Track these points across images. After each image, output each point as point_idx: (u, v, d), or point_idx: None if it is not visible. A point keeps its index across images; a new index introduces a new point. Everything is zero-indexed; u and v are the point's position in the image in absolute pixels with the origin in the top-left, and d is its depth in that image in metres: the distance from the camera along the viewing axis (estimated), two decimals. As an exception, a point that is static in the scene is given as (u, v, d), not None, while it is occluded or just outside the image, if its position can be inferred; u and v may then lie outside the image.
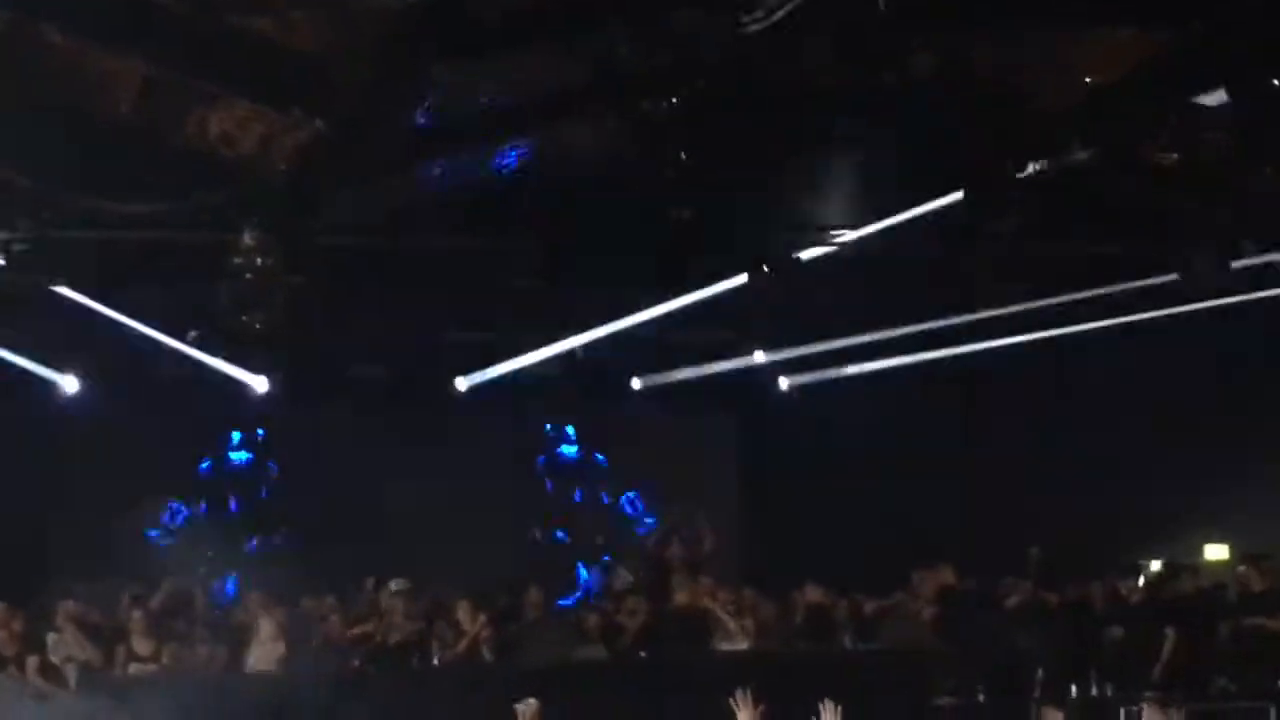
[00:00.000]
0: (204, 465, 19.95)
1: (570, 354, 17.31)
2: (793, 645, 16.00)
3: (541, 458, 20.56)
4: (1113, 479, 17.46)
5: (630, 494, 20.40)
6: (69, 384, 16.75)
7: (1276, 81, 11.70)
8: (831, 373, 17.65)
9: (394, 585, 15.76)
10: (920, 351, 17.12)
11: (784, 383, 18.12)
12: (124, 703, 13.20)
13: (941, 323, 16.45)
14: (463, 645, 15.21)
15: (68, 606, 14.67)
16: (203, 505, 19.82)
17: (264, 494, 20.03)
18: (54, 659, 13.90)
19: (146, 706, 13.02)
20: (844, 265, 15.17)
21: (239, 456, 20.01)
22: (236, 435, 19.93)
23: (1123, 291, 15.76)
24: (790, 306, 16.37)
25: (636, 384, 18.31)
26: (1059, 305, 15.95)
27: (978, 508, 17.83)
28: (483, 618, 15.31)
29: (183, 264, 15.25)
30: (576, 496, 20.53)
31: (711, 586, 16.47)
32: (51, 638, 14.13)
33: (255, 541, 19.48)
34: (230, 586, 18.16)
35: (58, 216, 13.76)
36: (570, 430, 20.51)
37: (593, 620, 16.14)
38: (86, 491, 17.97)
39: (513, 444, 20.07)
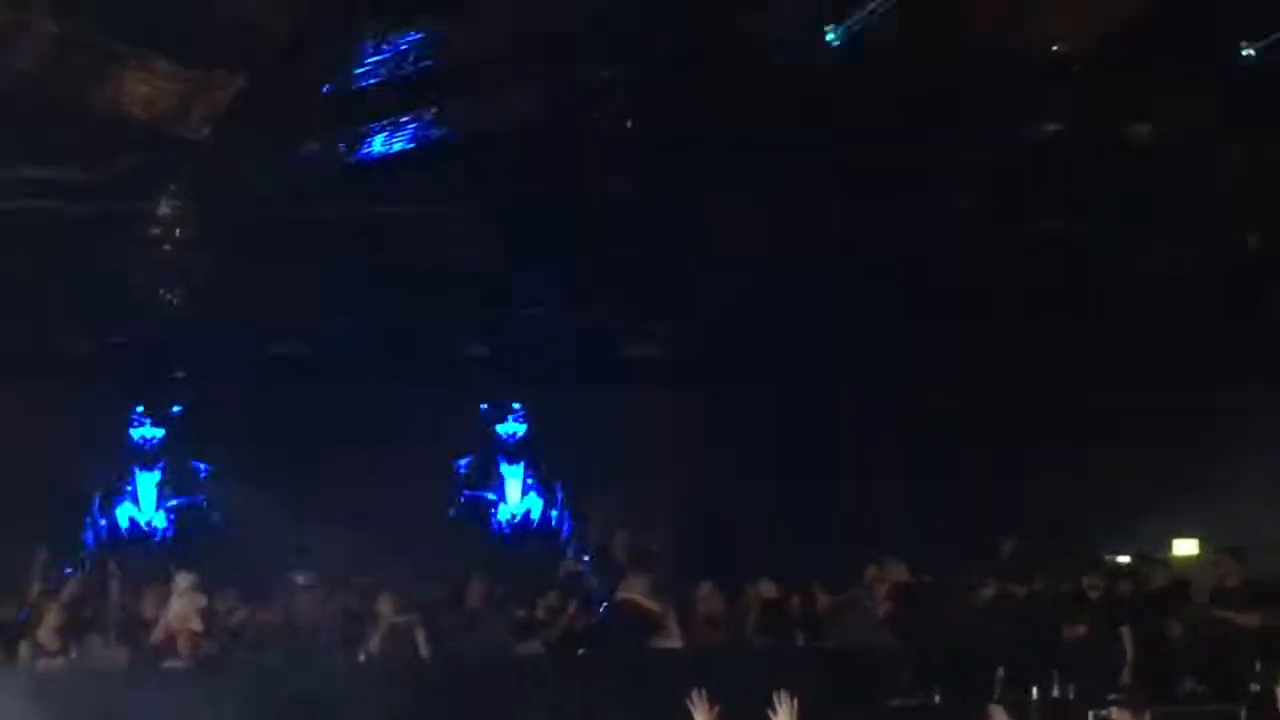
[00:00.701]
0: (118, 447, 19.63)
1: (503, 336, 17.81)
2: (745, 642, 15.93)
3: (478, 442, 20.42)
4: (1080, 472, 17.64)
5: (558, 484, 20.56)
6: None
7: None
8: (781, 357, 17.86)
9: (300, 579, 15.82)
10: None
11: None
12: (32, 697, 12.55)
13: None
14: (380, 636, 15.08)
15: None
16: (115, 493, 19.56)
17: (178, 481, 19.72)
18: (-46, 654, 13.42)
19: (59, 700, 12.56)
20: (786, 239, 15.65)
21: (151, 435, 19.55)
22: (148, 418, 19.46)
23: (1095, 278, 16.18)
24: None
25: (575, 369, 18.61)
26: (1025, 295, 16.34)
27: (938, 501, 17.84)
28: (402, 610, 15.27)
29: (96, 234, 15.20)
30: (519, 484, 20.43)
31: (650, 582, 16.13)
32: None
33: (170, 529, 19.42)
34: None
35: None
36: (514, 410, 20.48)
37: (532, 614, 16.17)
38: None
39: (447, 427, 19.81)
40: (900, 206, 15.44)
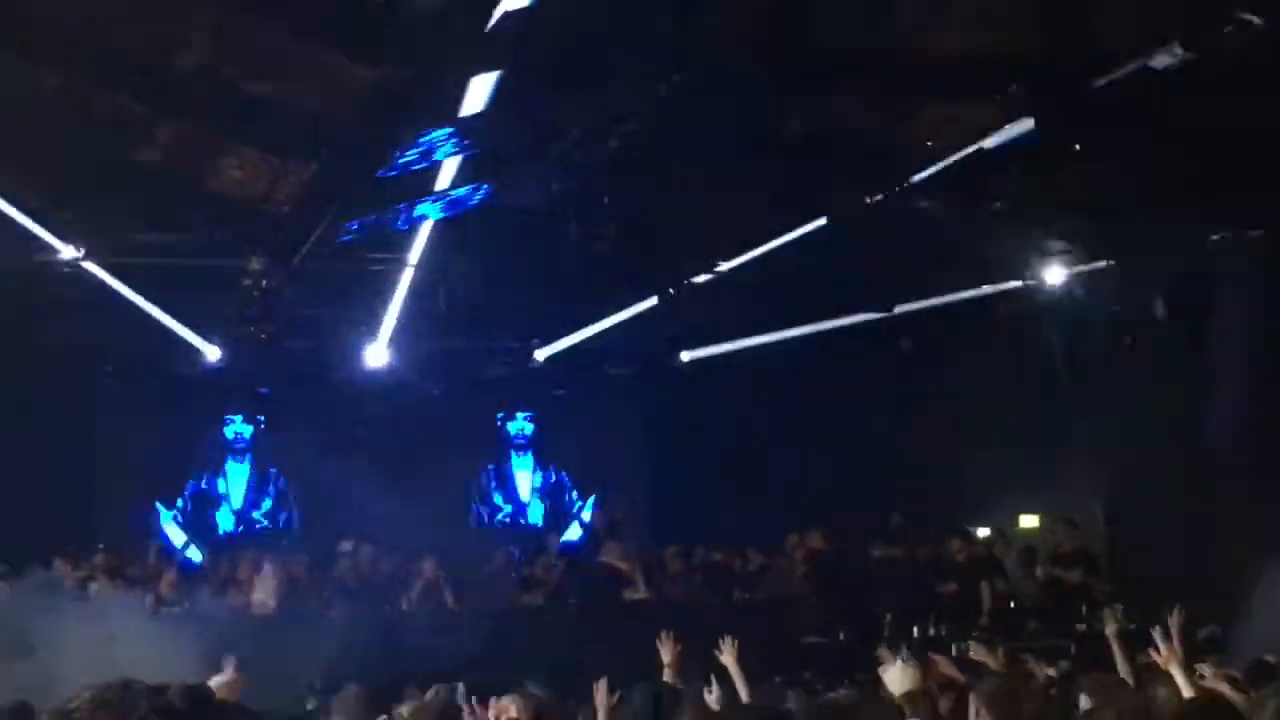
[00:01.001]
0: (209, 450, 19.66)
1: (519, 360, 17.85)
2: (695, 593, 16.31)
3: (496, 439, 20.53)
4: (952, 460, 17.57)
5: (563, 472, 20.58)
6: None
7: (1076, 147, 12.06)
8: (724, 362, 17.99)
9: (345, 546, 16.10)
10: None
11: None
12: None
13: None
14: (418, 592, 15.30)
15: (99, 559, 14.76)
16: (206, 483, 19.50)
17: (257, 476, 19.69)
18: (95, 603, 13.87)
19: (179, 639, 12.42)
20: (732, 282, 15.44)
21: (242, 431, 19.62)
22: (239, 419, 19.54)
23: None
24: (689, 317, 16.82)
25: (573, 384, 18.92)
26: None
27: (849, 479, 17.89)
28: (437, 569, 15.55)
29: (204, 283, 15.37)
30: (527, 473, 20.55)
31: (622, 548, 16.68)
32: (92, 587, 14.05)
33: (252, 516, 19.38)
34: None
35: (107, 243, 13.90)
36: (525, 418, 20.49)
37: (533, 573, 16.53)
38: (120, 464, 17.70)
39: (473, 429, 19.86)
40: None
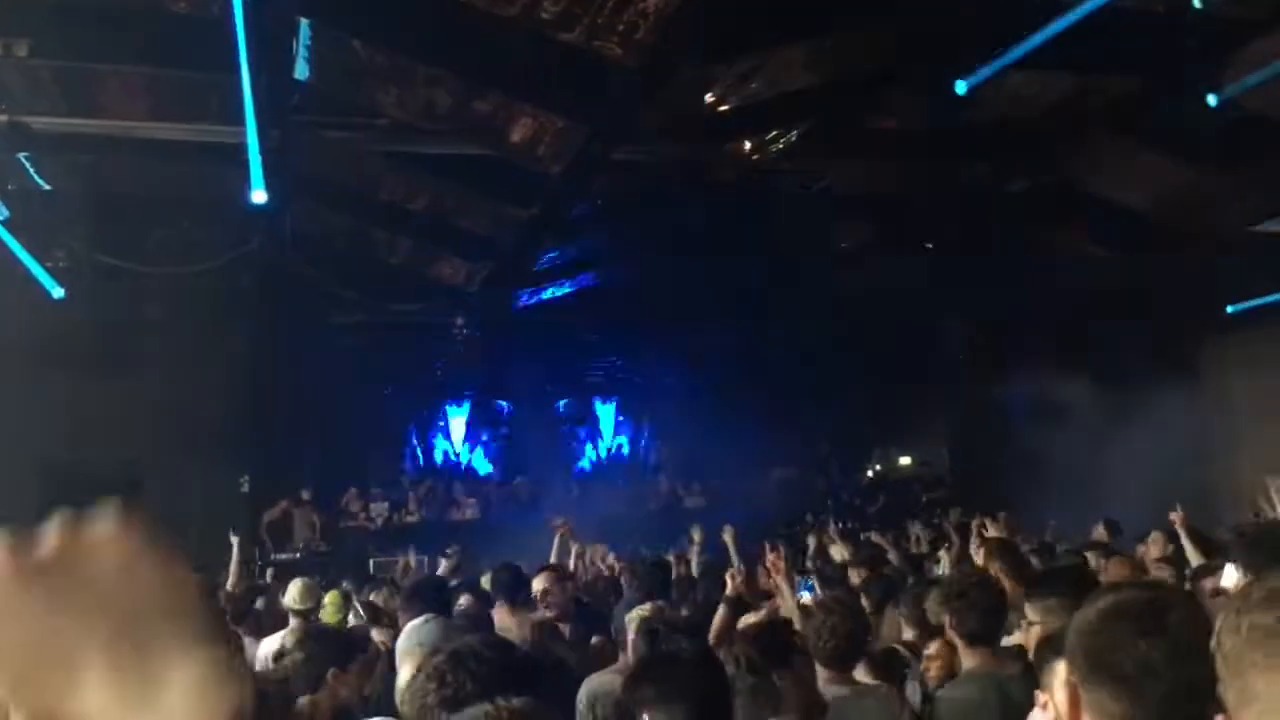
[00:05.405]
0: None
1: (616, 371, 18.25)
2: (710, 505, 15.30)
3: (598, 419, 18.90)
4: (865, 420, 17.58)
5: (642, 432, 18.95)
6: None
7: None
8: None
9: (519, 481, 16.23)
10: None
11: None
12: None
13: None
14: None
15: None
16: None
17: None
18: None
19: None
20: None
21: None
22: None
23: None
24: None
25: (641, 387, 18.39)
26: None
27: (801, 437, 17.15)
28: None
29: (422, 335, 15.72)
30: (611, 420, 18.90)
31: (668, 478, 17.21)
32: None
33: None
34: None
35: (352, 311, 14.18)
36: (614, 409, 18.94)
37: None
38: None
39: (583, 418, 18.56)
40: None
